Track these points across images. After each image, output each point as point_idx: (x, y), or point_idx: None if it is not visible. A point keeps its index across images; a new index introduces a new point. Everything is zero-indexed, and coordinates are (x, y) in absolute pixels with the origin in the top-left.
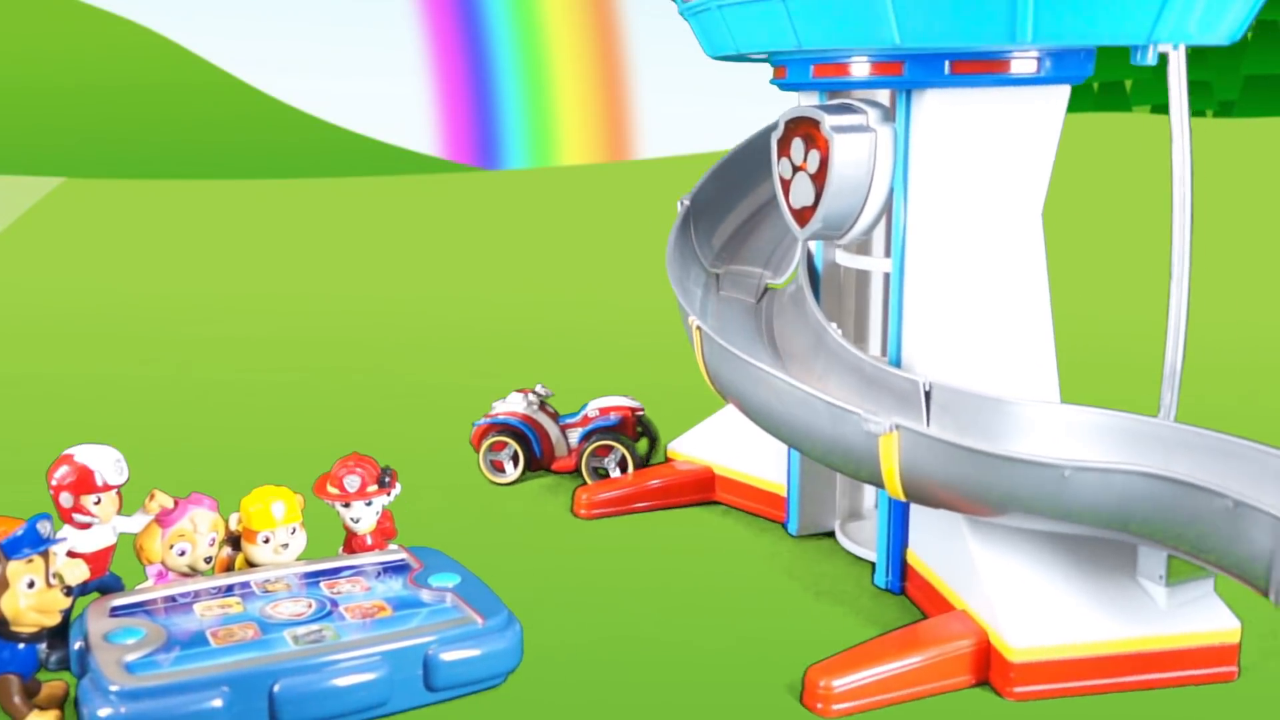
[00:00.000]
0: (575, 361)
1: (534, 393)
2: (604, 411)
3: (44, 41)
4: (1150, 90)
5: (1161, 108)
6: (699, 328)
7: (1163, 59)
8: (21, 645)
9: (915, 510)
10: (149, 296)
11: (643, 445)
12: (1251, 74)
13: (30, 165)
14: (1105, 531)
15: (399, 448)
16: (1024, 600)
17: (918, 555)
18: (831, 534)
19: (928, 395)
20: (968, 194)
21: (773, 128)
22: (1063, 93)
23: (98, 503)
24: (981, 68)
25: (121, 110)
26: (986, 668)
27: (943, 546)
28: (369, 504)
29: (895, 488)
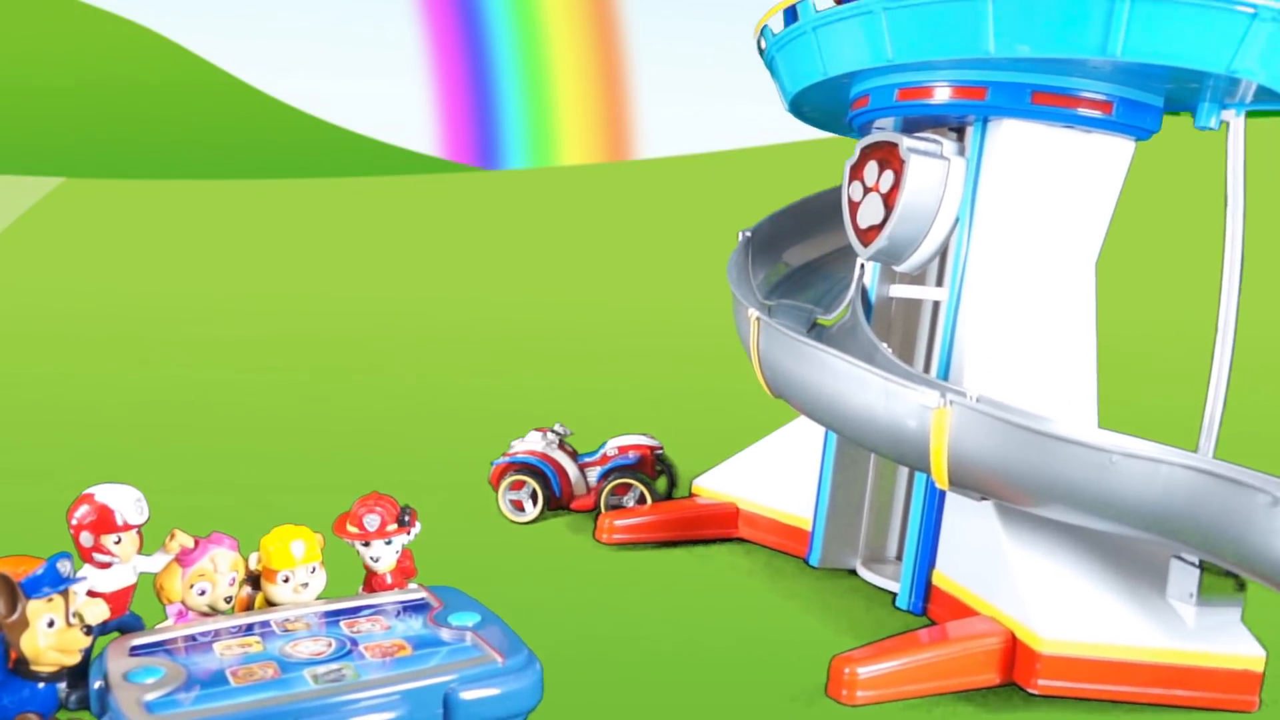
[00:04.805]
0: (574, 361)
1: (553, 431)
2: (623, 450)
3: (44, 41)
4: None
5: None
6: (757, 319)
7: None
8: (41, 684)
9: (947, 527)
10: (149, 296)
11: (662, 483)
12: None
13: (30, 165)
14: (1143, 533)
15: (401, 448)
16: (1055, 595)
17: (945, 574)
18: (853, 572)
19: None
20: (1030, 229)
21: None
22: (1128, 147)
23: (118, 542)
24: (1061, 102)
25: (121, 110)
26: (1012, 666)
27: (974, 558)
28: (389, 543)
29: (940, 471)
